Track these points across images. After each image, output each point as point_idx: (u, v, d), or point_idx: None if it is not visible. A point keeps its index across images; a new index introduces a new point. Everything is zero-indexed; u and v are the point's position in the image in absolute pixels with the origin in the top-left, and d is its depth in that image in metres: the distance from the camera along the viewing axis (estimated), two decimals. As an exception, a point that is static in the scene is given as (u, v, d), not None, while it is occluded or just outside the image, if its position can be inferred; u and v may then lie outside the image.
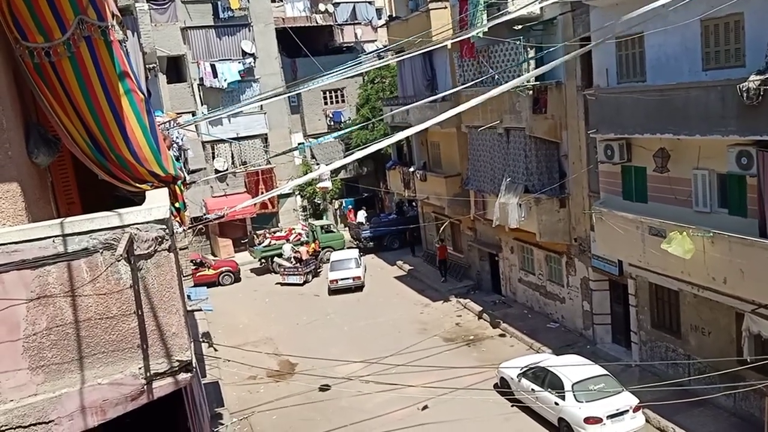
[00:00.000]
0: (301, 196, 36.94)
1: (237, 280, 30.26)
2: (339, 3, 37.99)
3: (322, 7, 38.11)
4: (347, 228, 35.06)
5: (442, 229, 26.14)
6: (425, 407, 16.09)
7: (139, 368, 4.29)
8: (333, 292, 26.59)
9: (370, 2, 39.26)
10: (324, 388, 17.13)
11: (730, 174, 12.69)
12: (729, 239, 12.34)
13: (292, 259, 29.63)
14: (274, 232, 32.69)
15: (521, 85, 17.95)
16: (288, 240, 31.22)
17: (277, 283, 29.25)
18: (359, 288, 26.67)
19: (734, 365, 13.24)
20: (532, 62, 18.13)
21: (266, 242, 31.39)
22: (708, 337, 14.76)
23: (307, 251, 29.90)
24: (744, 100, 11.27)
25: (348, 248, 31.12)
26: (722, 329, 14.31)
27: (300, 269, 28.91)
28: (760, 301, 12.62)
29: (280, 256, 30.32)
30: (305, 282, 28.69)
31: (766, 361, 12.35)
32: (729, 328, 14.09)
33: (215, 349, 20.45)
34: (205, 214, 30.73)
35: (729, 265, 12.43)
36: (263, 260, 31.10)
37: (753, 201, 12.27)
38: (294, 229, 32.71)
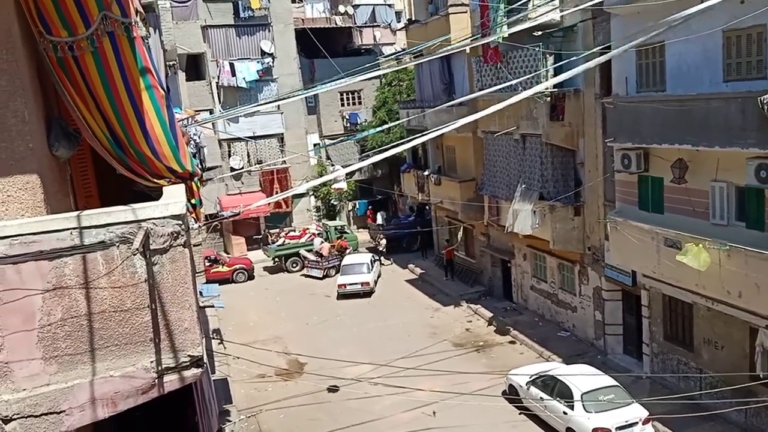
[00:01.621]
0: (315, 197, 37.02)
1: (251, 277, 30.42)
2: (359, 5, 38.04)
3: (341, 8, 38.20)
4: (367, 229, 35.22)
5: (460, 235, 26.05)
6: (433, 413, 16.04)
7: (151, 362, 4.32)
8: (341, 296, 26.55)
9: (389, 5, 39.29)
10: (332, 389, 17.14)
11: (748, 187, 12.56)
12: (745, 253, 12.21)
13: (315, 254, 30.26)
14: (288, 232, 32.85)
15: (539, 91, 17.88)
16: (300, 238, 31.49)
17: (301, 275, 30.22)
18: (368, 294, 26.54)
19: (747, 380, 13.10)
20: (551, 69, 18.06)
21: (280, 241, 31.59)
22: (721, 351, 14.60)
23: (330, 248, 30.24)
24: (765, 112, 11.16)
25: (368, 249, 31.30)
26: (735, 344, 14.15)
27: (321, 264, 29.51)
28: (775, 317, 12.48)
29: (296, 254, 30.90)
30: (325, 276, 29.28)
31: (780, 378, 12.20)
32: (742, 343, 13.93)
33: (224, 347, 20.55)
34: (219, 212, 30.87)
35: (745, 279, 12.29)
36: (277, 259, 31.27)
37: (771, 215, 12.14)
38: (308, 229, 32.86)
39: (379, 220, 33.95)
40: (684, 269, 13.30)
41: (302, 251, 30.82)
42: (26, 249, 3.99)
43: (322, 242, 30.88)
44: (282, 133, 35.19)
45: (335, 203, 36.95)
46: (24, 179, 4.43)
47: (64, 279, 4.08)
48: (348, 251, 30.69)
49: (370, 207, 36.31)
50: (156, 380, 4.33)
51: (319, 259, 29.85)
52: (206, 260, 29.06)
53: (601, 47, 15.55)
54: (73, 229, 4.08)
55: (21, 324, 4.03)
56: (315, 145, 36.74)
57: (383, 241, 31.71)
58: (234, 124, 32.57)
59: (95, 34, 4.66)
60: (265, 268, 31.79)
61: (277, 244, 31.47)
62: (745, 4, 11.76)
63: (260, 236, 33.71)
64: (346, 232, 32.57)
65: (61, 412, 4.15)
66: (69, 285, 4.10)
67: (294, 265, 30.92)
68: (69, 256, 4.08)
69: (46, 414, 4.13)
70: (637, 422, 13.97)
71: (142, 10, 5.74)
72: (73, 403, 4.17)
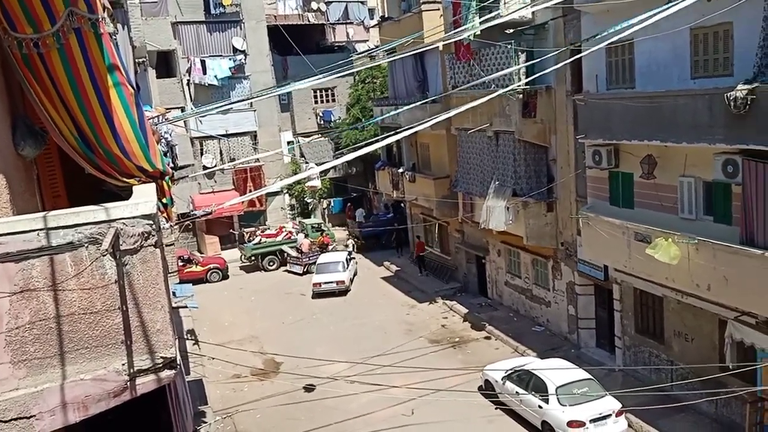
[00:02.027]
0: (290, 195, 36.86)
1: (225, 277, 30.18)
2: (331, 2, 37.88)
3: (314, 5, 38.00)
4: (345, 227, 35.22)
5: (436, 232, 26.10)
6: (412, 411, 16.07)
7: (123, 364, 4.25)
8: (317, 295, 26.46)
9: (362, 2, 39.19)
10: (309, 388, 17.09)
11: (715, 182, 12.82)
12: (713, 246, 12.46)
13: (296, 250, 30.55)
14: (264, 230, 32.70)
15: (512, 89, 18.05)
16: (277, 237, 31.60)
17: (283, 271, 30.52)
18: (343, 293, 26.47)
19: (716, 372, 13.37)
20: (523, 67, 18.20)
21: (257, 240, 31.48)
22: (691, 343, 14.89)
23: (311, 244, 30.46)
24: (731, 108, 11.38)
25: (345, 247, 31.41)
26: (705, 336, 14.44)
27: (301, 260, 29.72)
28: (743, 309, 12.75)
29: (272, 253, 31.03)
30: (305, 272, 29.32)
31: (748, 368, 12.48)
32: (712, 335, 14.22)
33: (199, 347, 20.35)
34: (192, 211, 30.54)
35: (713, 272, 12.54)
36: (253, 258, 31.13)
37: (738, 209, 12.39)
38: (285, 227, 32.81)
39: (359, 217, 33.99)
40: (654, 263, 13.53)
41: (285, 247, 30.95)
42: (-8, 251, 3.89)
43: (305, 237, 31.13)
44: (255, 131, 34.92)
45: (309, 201, 36.84)
46: (-12, 179, 4.33)
47: (32, 281, 4.00)
48: (330, 248, 30.81)
49: (349, 204, 36.27)
50: (128, 383, 4.27)
51: (300, 255, 29.94)
52: (179, 260, 28.76)
53: (571, 45, 15.71)
54: (41, 230, 3.99)
55: (-13, 328, 3.94)
56: (289, 142, 36.55)
57: (350, 242, 31.77)
58: (206, 122, 32.22)
59: (61, 31, 4.56)
60: (242, 267, 31.56)
61: (254, 242, 31.30)
62: (712, 2, 11.97)
63: (236, 234, 33.46)
64: (323, 230, 32.55)
65: (31, 416, 4.07)
66: (37, 287, 4.01)
67: (271, 263, 30.85)
68: (36, 257, 3.99)
69: (15, 419, 4.04)
70: (610, 414, 14.18)
71: (109, 6, 5.63)
72: (44, 407, 4.08)
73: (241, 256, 31.75)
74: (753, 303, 12.15)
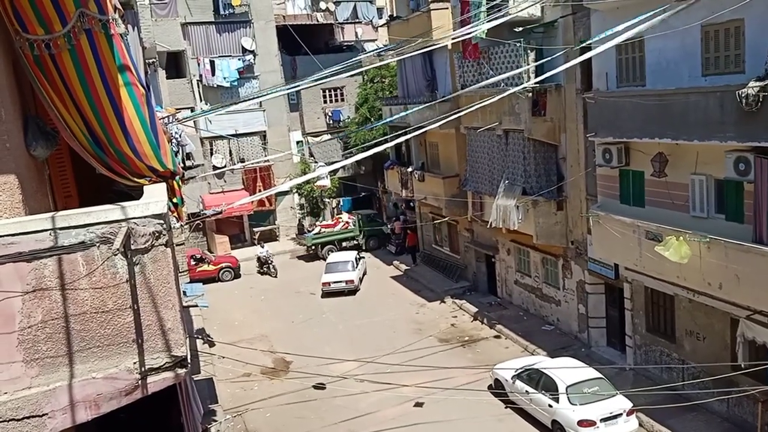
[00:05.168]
0: (299, 194, 36.96)
1: (237, 276, 30.31)
2: (340, 2, 37.92)
3: (323, 5, 38.04)
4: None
5: (445, 230, 25.98)
6: (415, 403, 16.08)
7: (134, 363, 4.28)
8: (326, 294, 26.47)
9: (371, 1, 39.20)
10: (318, 387, 17.12)
11: (727, 180, 12.71)
12: (725, 245, 12.37)
13: (391, 230, 32.59)
14: (322, 221, 34.87)
15: (521, 87, 17.99)
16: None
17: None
18: (352, 292, 26.46)
19: (728, 371, 13.29)
20: (533, 65, 18.13)
21: (316, 230, 32.56)
22: (702, 342, 14.79)
23: (401, 226, 31.94)
24: (743, 106, 11.29)
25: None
26: (717, 334, 14.34)
27: (394, 240, 31.86)
28: (755, 307, 12.66)
29: (331, 243, 32.25)
30: (398, 252, 31.33)
31: (760, 367, 12.39)
32: (723, 334, 14.12)
33: (211, 345, 20.42)
34: (202, 210, 30.67)
35: (725, 270, 12.45)
36: (313, 247, 32.03)
37: (750, 207, 12.30)
38: (341, 218, 33.80)
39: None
40: (665, 262, 13.45)
41: (387, 231, 32.94)
42: (4, 251, 3.93)
43: (395, 221, 33.08)
44: (264, 131, 35.03)
45: (326, 201, 37.13)
46: (1, 180, 4.36)
47: (44, 280, 4.03)
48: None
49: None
50: (139, 381, 4.30)
51: (393, 237, 31.72)
52: (192, 259, 28.92)
53: (581, 44, 15.63)
54: (52, 230, 4.02)
55: (1, 326, 3.97)
56: (298, 142, 36.65)
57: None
58: (216, 122, 32.33)
59: (72, 32, 4.60)
60: (300, 257, 32.67)
61: (314, 232, 32.38)
62: (723, -2, 11.89)
63: (297, 225, 35.59)
64: (376, 221, 33.28)
65: (43, 415, 4.11)
66: (49, 286, 4.04)
67: (330, 252, 31.49)
68: (48, 257, 4.02)
69: (28, 417, 4.08)
70: (621, 414, 14.11)
71: (120, 7, 5.66)
72: (56, 405, 4.12)
73: (310, 247, 32.47)
74: (765, 301, 12.05)
